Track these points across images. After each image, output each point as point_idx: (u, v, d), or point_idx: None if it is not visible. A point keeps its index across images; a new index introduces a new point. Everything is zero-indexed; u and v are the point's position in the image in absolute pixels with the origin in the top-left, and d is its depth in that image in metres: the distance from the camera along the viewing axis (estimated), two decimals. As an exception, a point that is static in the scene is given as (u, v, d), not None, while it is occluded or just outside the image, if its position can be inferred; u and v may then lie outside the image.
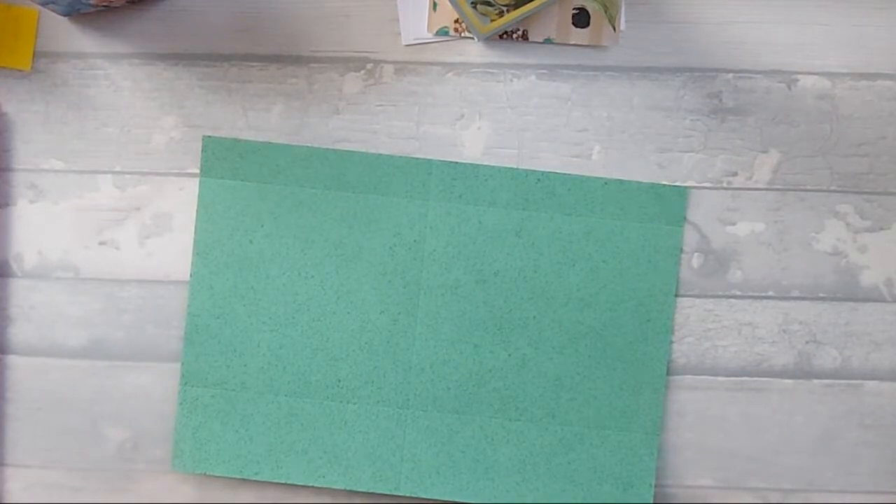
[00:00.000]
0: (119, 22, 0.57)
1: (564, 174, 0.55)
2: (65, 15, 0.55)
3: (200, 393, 0.55)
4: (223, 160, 0.55)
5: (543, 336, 0.55)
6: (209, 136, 0.56)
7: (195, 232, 0.55)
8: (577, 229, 0.55)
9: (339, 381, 0.55)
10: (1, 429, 0.57)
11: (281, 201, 0.55)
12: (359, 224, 0.55)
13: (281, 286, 0.55)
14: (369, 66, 0.57)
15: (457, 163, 0.55)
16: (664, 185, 0.55)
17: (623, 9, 0.56)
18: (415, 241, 0.55)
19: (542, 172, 0.55)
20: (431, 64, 0.57)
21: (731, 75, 0.57)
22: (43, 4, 0.52)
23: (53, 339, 0.57)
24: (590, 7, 0.56)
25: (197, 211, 0.55)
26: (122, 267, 0.57)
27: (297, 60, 0.57)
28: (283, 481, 0.55)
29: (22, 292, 0.57)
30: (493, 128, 0.57)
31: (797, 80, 0.57)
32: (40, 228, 0.57)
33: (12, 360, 0.57)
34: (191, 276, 0.55)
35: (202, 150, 0.56)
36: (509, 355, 0.55)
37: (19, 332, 0.57)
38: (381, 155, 0.55)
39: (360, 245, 0.55)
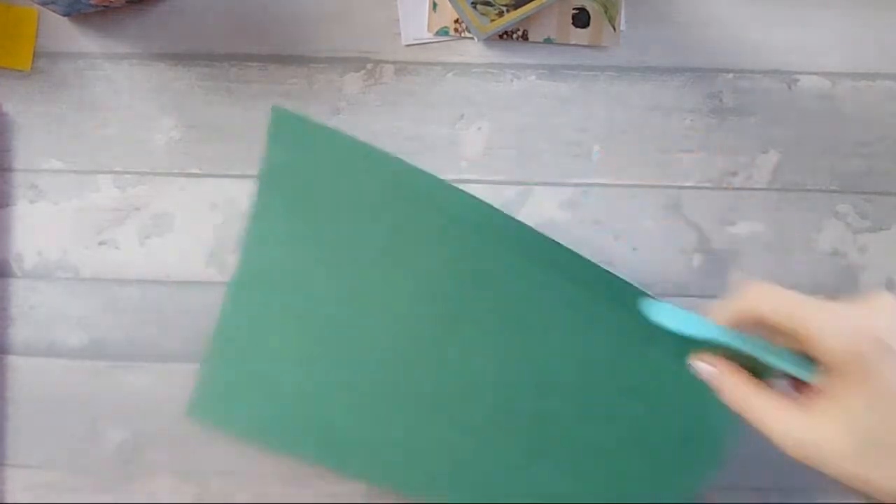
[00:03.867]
0: (119, 22, 0.57)
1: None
2: (65, 15, 0.55)
3: (230, 347, 0.50)
4: (289, 148, 0.47)
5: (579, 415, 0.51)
6: (278, 107, 0.47)
7: (257, 195, 0.48)
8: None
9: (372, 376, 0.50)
10: (1, 429, 0.57)
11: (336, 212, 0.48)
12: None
13: (322, 291, 0.50)
14: (369, 66, 0.57)
15: (539, 233, 0.49)
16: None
17: (623, 9, 0.56)
18: (465, 294, 0.49)
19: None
20: (431, 64, 0.57)
21: (731, 75, 0.57)
22: (43, 4, 0.52)
23: (53, 339, 0.57)
24: (590, 7, 0.56)
25: (258, 191, 0.48)
26: (122, 267, 0.57)
27: (297, 60, 0.57)
28: (289, 454, 0.53)
29: (22, 292, 0.57)
30: (493, 128, 0.56)
31: (797, 80, 0.57)
32: (40, 228, 0.57)
33: (12, 360, 0.57)
34: (244, 238, 0.49)
35: (270, 123, 0.47)
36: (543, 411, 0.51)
37: (19, 332, 0.57)
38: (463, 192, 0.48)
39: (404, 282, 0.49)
